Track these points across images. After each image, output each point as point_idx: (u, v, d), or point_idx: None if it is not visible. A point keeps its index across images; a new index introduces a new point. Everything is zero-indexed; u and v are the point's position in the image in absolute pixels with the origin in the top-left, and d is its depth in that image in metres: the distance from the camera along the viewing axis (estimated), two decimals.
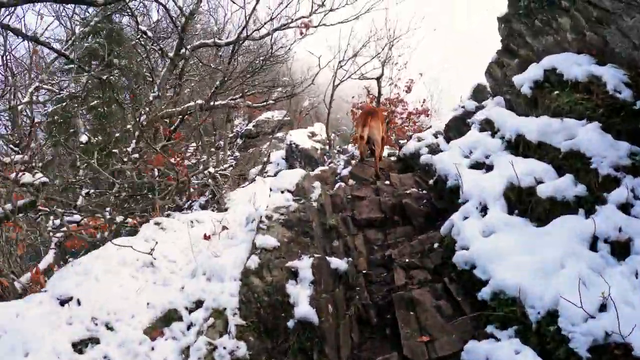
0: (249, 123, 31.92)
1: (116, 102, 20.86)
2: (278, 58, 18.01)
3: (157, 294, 6.58)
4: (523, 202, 6.45)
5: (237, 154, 29.07)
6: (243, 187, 13.68)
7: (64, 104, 21.72)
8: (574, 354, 4.48)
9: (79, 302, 5.67)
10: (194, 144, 24.35)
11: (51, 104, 22.39)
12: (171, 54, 15.98)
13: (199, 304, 6.44)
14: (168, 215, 9.89)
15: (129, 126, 17.29)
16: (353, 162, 14.74)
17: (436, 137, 11.77)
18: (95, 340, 5.29)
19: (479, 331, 5.49)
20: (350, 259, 7.75)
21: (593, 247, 5.31)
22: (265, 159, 18.74)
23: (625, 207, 5.45)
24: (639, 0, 6.07)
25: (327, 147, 20.47)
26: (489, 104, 9.73)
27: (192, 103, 15.95)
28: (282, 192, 8.74)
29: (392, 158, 14.32)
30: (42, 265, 10.12)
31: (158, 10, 18.28)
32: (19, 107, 16.64)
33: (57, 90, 18.88)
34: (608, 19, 6.69)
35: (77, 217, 10.49)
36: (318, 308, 6.15)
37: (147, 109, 15.97)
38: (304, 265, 6.79)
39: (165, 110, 16.12)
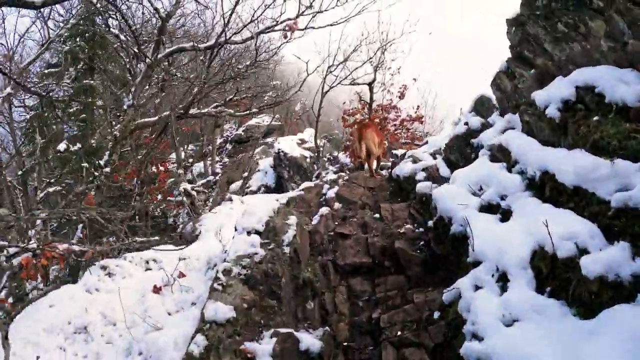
0: (238, 128, 29.94)
1: (100, 108, 19.15)
2: (262, 63, 15.99)
3: None
4: (558, 278, 4.52)
5: (226, 160, 27.17)
6: (221, 206, 11.76)
7: (44, 109, 20.15)
8: None
9: None
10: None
11: (31, 109, 20.71)
12: (148, 59, 14.04)
13: None
14: (120, 253, 8.20)
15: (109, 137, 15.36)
16: (343, 176, 13.17)
17: (434, 158, 9.89)
18: None
19: None
20: (327, 328, 5.82)
21: None
22: (245, 175, 16.75)
23: None
24: None
25: (318, 155, 18.47)
26: (499, 122, 7.82)
27: (168, 112, 14.04)
28: (249, 233, 6.79)
29: (384, 172, 12.41)
30: None
31: (143, 12, 16.39)
32: None
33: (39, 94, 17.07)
34: None
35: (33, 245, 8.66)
36: None
37: (121, 118, 14.09)
38: (264, 349, 4.89)
39: (140, 121, 14.29)
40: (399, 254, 7.05)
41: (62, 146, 17.01)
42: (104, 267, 7.09)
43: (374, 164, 12.41)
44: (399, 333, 5.64)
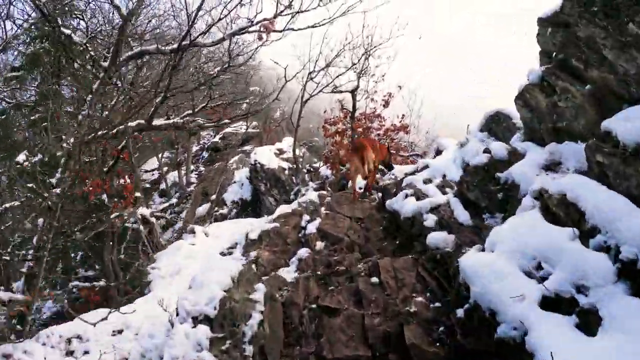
0: (215, 135, 27.46)
1: (68, 115, 16.70)
2: (235, 68, 13.65)
3: None
4: None
5: (202, 168, 24.75)
6: (182, 241, 9.48)
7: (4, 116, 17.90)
8: None
9: None
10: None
11: None
12: (106, 63, 11.77)
13: None
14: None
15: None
16: (325, 195, 11.35)
17: (443, 192, 7.73)
18: None
19: None
20: None
21: None
22: (213, 197, 14.57)
23: None
24: None
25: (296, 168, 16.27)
26: (534, 153, 5.86)
27: (132, 124, 11.74)
28: (196, 320, 4.47)
29: (375, 195, 10.24)
30: None
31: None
32: None
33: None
34: None
35: None
36: None
37: (75, 130, 11.76)
38: None
39: (100, 133, 11.91)
40: (409, 348, 4.72)
41: (21, 157, 14.58)
42: (6, 357, 4.82)
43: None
44: None
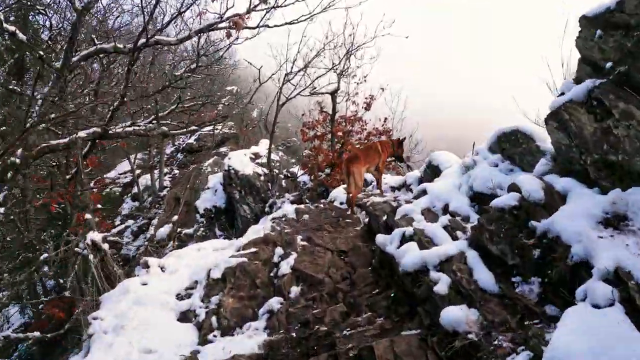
0: (190, 136, 25.47)
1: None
2: (202, 69, 11.89)
3: None
4: None
5: (176, 171, 22.82)
6: (133, 279, 7.67)
7: None
8: None
9: None
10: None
11: None
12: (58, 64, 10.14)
13: None
14: None
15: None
16: (302, 211, 10.11)
17: (453, 235, 5.88)
18: None
19: None
20: None
21: None
22: (175, 218, 12.79)
23: None
24: None
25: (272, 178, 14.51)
26: (596, 202, 3.95)
27: (82, 134, 10.02)
28: None
29: (361, 215, 8.64)
30: None
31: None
32: None
33: None
34: None
35: None
36: None
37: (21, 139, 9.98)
38: None
39: (52, 143, 10.14)
40: None
41: None
42: None
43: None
44: None
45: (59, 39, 13.99)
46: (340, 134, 15.26)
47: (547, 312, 3.88)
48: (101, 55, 11.19)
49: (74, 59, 9.96)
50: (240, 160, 15.89)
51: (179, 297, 7.03)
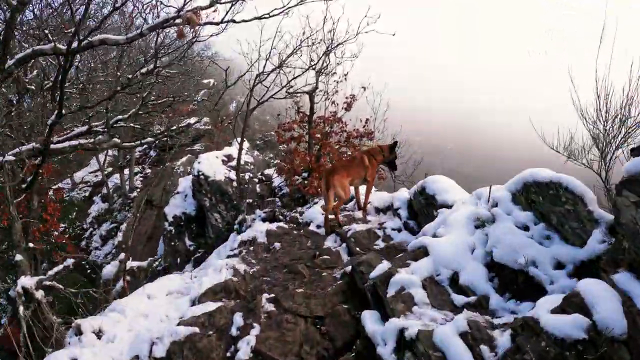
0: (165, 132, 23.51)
1: None
2: (160, 70, 10.05)
3: None
4: None
5: (148, 170, 20.91)
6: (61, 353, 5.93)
7: None
8: None
9: None
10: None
11: None
12: None
13: None
14: None
15: None
16: (274, 233, 8.93)
17: (475, 354, 3.92)
18: None
19: None
20: None
21: None
22: (122, 255, 11.02)
23: None
24: None
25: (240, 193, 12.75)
26: None
27: (9, 156, 8.25)
28: None
29: (339, 267, 6.95)
30: None
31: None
32: None
33: None
34: None
35: None
36: None
37: None
38: None
39: None
40: None
41: None
42: None
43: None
44: None
45: None
46: (318, 135, 13.53)
47: None
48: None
49: (9, 63, 8.13)
50: (211, 164, 14.11)
51: None
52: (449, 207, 6.67)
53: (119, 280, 8.69)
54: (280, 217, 10.48)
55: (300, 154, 13.61)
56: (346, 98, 13.76)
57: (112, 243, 16.45)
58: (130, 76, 9.69)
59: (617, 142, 4.95)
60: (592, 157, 5.17)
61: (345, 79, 13.50)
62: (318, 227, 8.75)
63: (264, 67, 11.12)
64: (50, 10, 12.33)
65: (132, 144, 10.24)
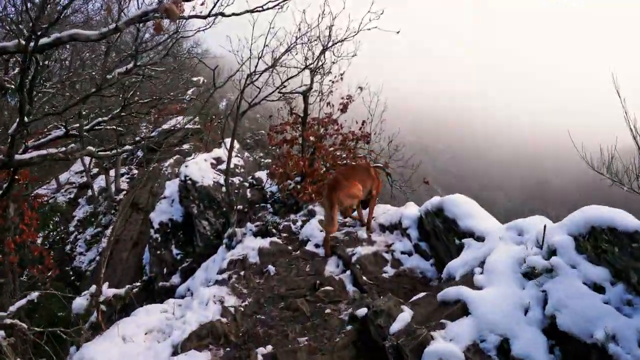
0: (152, 132, 22.12)
1: None
2: (142, 69, 8.89)
3: None
4: None
5: (135, 171, 19.63)
6: None
7: None
8: None
9: None
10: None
11: None
12: None
13: None
14: None
15: None
16: (266, 248, 7.98)
17: None
18: None
19: None
20: None
21: None
22: (93, 288, 9.68)
23: None
24: None
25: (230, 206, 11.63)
26: None
27: None
28: None
29: (344, 302, 5.79)
30: None
31: None
32: None
33: None
34: None
35: None
36: None
37: None
38: None
39: None
40: None
41: None
42: None
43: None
44: None
45: None
46: (312, 138, 12.37)
47: None
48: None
49: None
50: (199, 168, 12.95)
51: None
52: (475, 236, 5.61)
53: (92, 313, 7.53)
54: (274, 230, 9.32)
55: (293, 157, 12.49)
56: (342, 99, 12.65)
57: (97, 249, 15.25)
58: (109, 76, 8.48)
59: None
60: None
61: (342, 78, 12.38)
62: (316, 246, 7.65)
63: (256, 66, 9.90)
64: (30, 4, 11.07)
65: (108, 152, 9.02)
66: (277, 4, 7.57)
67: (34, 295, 6.21)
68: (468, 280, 4.64)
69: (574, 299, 3.70)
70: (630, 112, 4.29)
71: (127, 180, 18.72)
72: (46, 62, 10.31)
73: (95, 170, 20.43)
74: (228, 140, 16.29)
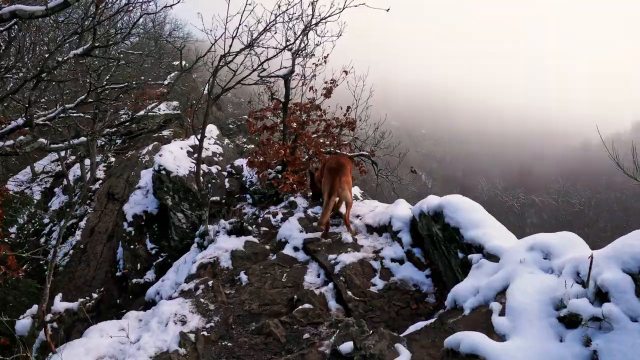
0: (131, 118, 20.79)
1: None
2: (97, 51, 7.80)
3: None
4: None
5: (112, 159, 18.38)
6: None
7: None
8: None
9: None
10: None
11: None
12: None
13: None
14: None
15: None
16: (240, 251, 6.90)
17: None
18: None
19: None
20: None
21: None
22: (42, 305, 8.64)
23: None
24: None
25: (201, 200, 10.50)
26: None
27: None
28: None
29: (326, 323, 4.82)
30: None
31: None
32: None
33: None
34: None
35: None
36: None
37: None
38: None
39: None
40: None
41: None
42: None
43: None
44: None
45: None
46: (294, 125, 11.32)
47: None
48: None
49: None
50: (174, 157, 11.85)
51: None
52: (484, 251, 4.41)
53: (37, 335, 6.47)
54: (249, 227, 8.27)
55: (273, 145, 11.45)
56: (325, 83, 11.60)
57: (71, 242, 14.13)
58: (60, 58, 7.33)
59: None
60: None
61: (325, 61, 11.30)
62: (295, 249, 6.62)
63: (230, 46, 8.76)
64: None
65: (61, 145, 7.91)
66: None
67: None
68: (482, 318, 3.50)
69: None
70: None
71: (104, 168, 17.55)
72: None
73: (72, 158, 19.22)
74: (208, 128, 15.20)
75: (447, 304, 3.90)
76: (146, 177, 13.16)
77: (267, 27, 9.47)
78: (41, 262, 13.84)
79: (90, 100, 10.20)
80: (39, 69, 6.68)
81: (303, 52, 10.74)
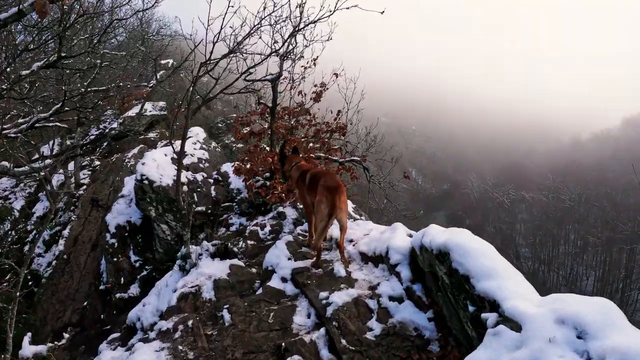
0: (116, 120, 19.99)
1: None
2: (68, 60, 7.13)
3: None
4: None
5: (97, 163, 17.67)
6: None
7: None
8: None
9: None
10: None
11: None
12: None
13: None
14: None
15: None
16: (224, 280, 6.30)
17: None
18: None
19: None
20: None
21: None
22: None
23: None
24: None
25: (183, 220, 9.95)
26: None
27: None
28: None
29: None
30: None
31: None
32: None
33: None
34: None
35: None
36: None
37: None
38: None
39: None
40: None
41: None
42: None
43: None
44: None
45: None
46: (282, 130, 10.74)
47: None
48: None
49: None
50: (158, 165, 11.20)
51: None
52: (500, 310, 3.60)
53: None
54: (234, 248, 7.65)
55: (261, 152, 10.85)
56: (315, 86, 11.01)
57: (54, 252, 13.47)
58: (24, 72, 6.69)
59: None
60: None
61: (315, 64, 10.71)
62: (283, 280, 5.98)
63: (211, 52, 8.08)
64: None
65: (24, 169, 7.29)
66: None
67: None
68: None
69: None
70: None
71: (89, 173, 16.84)
72: None
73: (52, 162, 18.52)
74: (194, 129, 14.54)
75: None
76: (129, 184, 12.51)
77: (252, 31, 8.82)
78: (25, 272, 13.20)
79: (67, 108, 9.58)
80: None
81: (291, 55, 10.14)
